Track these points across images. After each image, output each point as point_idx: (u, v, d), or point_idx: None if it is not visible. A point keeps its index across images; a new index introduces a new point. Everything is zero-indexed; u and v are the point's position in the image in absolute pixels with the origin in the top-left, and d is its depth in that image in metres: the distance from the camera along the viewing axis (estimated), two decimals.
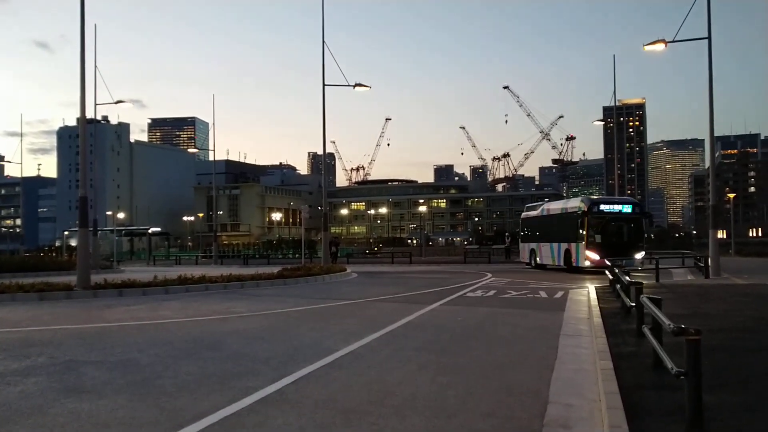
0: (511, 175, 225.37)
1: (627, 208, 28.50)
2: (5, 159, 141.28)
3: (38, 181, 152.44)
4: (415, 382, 7.29)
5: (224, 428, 5.50)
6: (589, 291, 17.78)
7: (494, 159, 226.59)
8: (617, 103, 57.60)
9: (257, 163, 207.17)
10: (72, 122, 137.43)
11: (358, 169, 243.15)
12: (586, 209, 28.20)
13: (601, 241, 27.71)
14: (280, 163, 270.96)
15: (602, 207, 28.42)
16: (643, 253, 28.12)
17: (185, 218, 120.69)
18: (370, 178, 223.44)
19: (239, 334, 11.19)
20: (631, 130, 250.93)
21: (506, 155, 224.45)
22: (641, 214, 28.77)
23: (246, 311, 14.50)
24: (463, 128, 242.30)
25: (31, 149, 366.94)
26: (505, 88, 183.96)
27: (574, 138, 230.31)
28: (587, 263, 27.58)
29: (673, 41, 23.84)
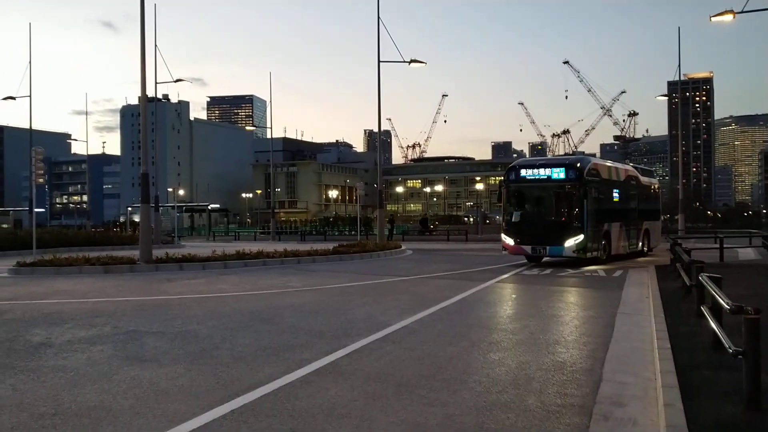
0: (571, 152, 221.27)
1: (555, 172, 19.59)
2: (72, 137, 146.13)
3: (103, 159, 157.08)
4: (467, 358, 7.30)
5: (278, 398, 5.63)
6: (649, 270, 17.40)
7: (554, 135, 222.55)
8: (683, 78, 55.76)
9: (314, 141, 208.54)
10: (134, 100, 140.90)
11: (414, 147, 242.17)
12: (504, 177, 20.81)
13: (518, 220, 20.48)
14: (337, 140, 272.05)
15: (522, 172, 20.15)
16: (580, 237, 18.71)
17: (244, 195, 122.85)
18: (426, 155, 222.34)
19: (294, 307, 11.38)
20: (697, 105, 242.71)
21: (566, 132, 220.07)
22: (578, 181, 18.92)
23: (301, 286, 14.73)
24: (522, 104, 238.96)
25: (96, 127, 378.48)
26: (566, 63, 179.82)
27: (637, 114, 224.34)
28: (505, 252, 20.72)
29: (743, 11, 22.88)
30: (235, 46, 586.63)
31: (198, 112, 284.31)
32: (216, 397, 5.63)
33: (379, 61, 30.50)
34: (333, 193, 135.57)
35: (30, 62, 39.75)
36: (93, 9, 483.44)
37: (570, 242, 18.91)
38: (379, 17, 30.00)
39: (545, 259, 20.74)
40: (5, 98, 41.37)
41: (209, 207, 69.88)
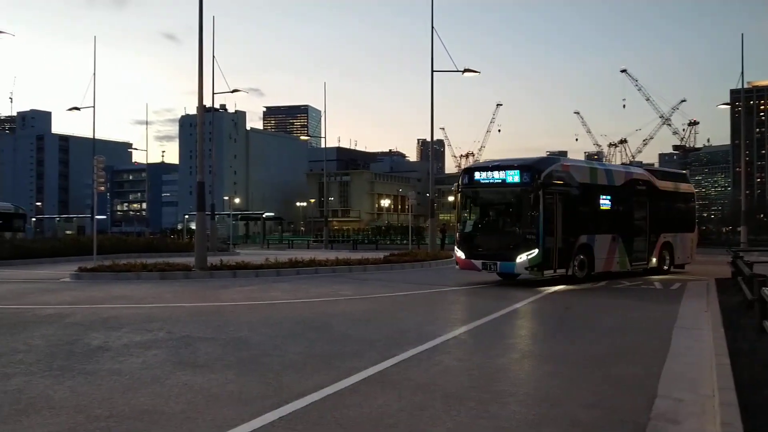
0: (628, 162, 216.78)
1: (510, 176, 16.74)
2: (133, 146, 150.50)
3: (162, 167, 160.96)
4: (517, 369, 7.21)
5: (326, 406, 5.65)
6: (709, 283, 16.88)
7: (610, 145, 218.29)
8: (746, 86, 54.07)
9: (367, 150, 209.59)
10: (193, 110, 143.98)
11: (467, 156, 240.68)
12: (458, 181, 18.46)
13: (469, 230, 17.89)
14: (390, 150, 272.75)
15: (476, 176, 17.56)
16: (534, 252, 15.85)
17: (297, 204, 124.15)
18: None
19: (345, 316, 11.43)
20: (762, 114, 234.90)
21: (623, 141, 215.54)
22: (532, 185, 16.02)
23: (352, 294, 14.78)
24: (578, 113, 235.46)
25: (157, 136, 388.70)
26: (623, 71, 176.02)
27: (698, 123, 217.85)
28: (458, 267, 18.08)
29: None
30: (292, 57, 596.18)
31: (254, 121, 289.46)
32: (265, 403, 5.68)
33: (432, 71, 30.53)
34: (385, 202, 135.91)
35: (94, 74, 41.18)
36: (156, 22, 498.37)
37: (522, 257, 15.94)
38: (433, 27, 30.04)
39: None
40: (70, 109, 42.89)
41: (264, 215, 70.88)
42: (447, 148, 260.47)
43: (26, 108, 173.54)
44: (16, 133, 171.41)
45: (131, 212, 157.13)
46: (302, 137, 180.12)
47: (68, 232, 57.97)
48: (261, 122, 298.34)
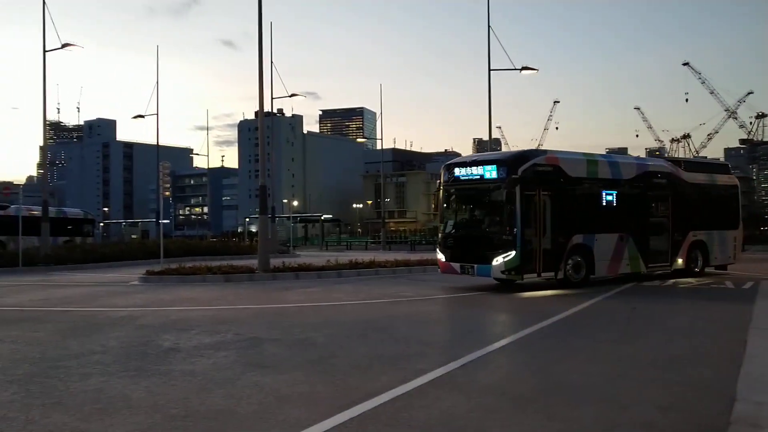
0: (692, 157, 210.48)
1: (487, 171, 15.35)
2: (194, 151, 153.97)
3: (222, 172, 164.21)
4: (585, 371, 7.09)
5: (395, 407, 5.67)
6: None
7: (673, 140, 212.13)
8: None
9: (423, 151, 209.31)
10: (251, 116, 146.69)
11: None
12: (439, 178, 17.12)
13: (449, 231, 16.75)
14: (446, 150, 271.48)
15: (456, 172, 16.20)
16: (511, 254, 14.52)
17: (354, 205, 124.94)
18: None
19: (407, 317, 11.46)
20: None
21: (686, 136, 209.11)
22: (508, 181, 14.58)
23: (414, 295, 14.79)
24: (638, 109, 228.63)
25: (216, 141, 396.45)
26: (685, 64, 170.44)
27: (766, 116, 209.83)
28: (440, 270, 16.93)
29: None
30: (347, 60, 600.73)
31: (311, 125, 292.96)
32: (335, 404, 5.74)
33: (489, 70, 30.27)
34: None
35: (157, 83, 42.31)
36: (215, 29, 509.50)
37: (498, 260, 14.63)
38: (489, 26, 29.81)
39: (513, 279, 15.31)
40: (135, 116, 44.14)
41: (322, 217, 71.59)
42: (503, 147, 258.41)
43: (92, 117, 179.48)
44: (83, 142, 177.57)
45: (193, 216, 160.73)
46: (359, 139, 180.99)
47: (133, 236, 59.74)
48: (317, 125, 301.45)
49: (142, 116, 43.71)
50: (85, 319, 11.35)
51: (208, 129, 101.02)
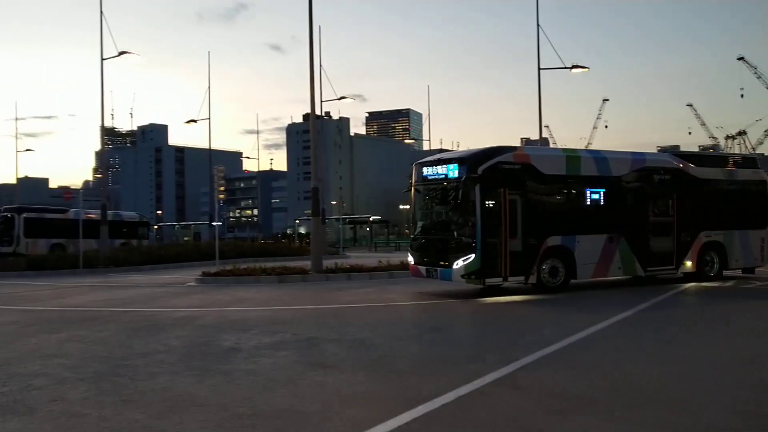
0: (748, 153, 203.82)
1: (450, 170, 14.52)
2: (243, 155, 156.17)
3: (271, 174, 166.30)
4: (651, 372, 6.98)
5: (457, 408, 5.68)
6: None
7: (727, 137, 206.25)
8: None
9: None
10: (298, 119, 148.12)
11: None
12: (411, 177, 16.11)
13: (418, 232, 15.92)
14: None
15: (424, 171, 15.42)
16: (470, 257, 13.66)
17: (401, 207, 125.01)
18: None
19: (461, 318, 11.45)
20: None
21: (742, 133, 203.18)
22: (469, 180, 13.79)
23: (466, 297, 14.70)
24: (690, 105, 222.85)
25: (265, 145, 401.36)
26: (740, 59, 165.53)
27: None
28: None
29: None
30: (393, 62, 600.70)
31: (358, 127, 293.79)
32: (397, 404, 5.77)
33: (539, 69, 29.92)
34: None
35: (209, 88, 43.14)
36: (263, 34, 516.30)
37: (458, 263, 13.81)
38: (538, 24, 29.49)
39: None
40: (188, 121, 45.10)
41: (370, 218, 71.84)
42: (552, 146, 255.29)
43: (145, 122, 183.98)
44: (137, 146, 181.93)
45: (243, 218, 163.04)
46: (406, 141, 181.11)
47: (186, 238, 60.94)
48: (364, 128, 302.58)
49: (194, 121, 44.62)
50: (147, 320, 11.64)
51: (258, 132, 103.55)
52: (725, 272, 17.53)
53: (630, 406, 5.68)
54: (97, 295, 16.51)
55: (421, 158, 16.46)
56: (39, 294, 17.25)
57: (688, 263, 16.80)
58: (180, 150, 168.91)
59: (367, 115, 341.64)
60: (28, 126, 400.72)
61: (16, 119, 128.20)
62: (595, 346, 8.71)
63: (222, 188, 22.99)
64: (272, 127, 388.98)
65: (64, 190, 40.06)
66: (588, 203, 15.65)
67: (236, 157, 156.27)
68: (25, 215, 36.14)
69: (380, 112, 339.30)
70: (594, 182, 15.66)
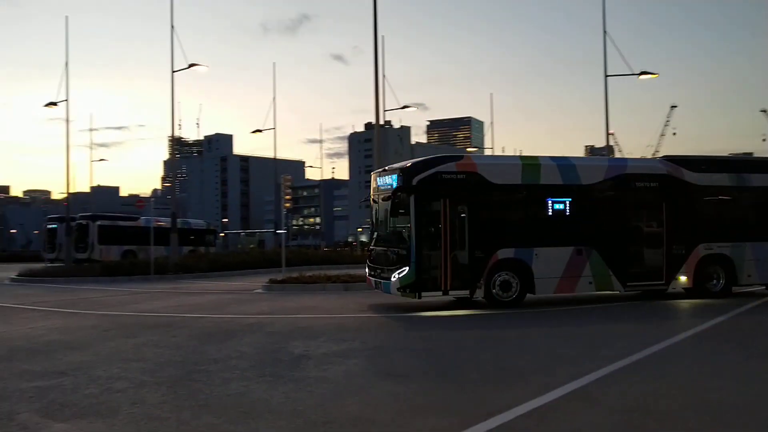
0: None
1: (392, 181, 14.13)
2: (306, 164, 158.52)
3: (333, 183, 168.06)
4: (730, 389, 6.72)
5: (531, 420, 5.60)
6: None
7: None
8: None
9: None
10: (360, 128, 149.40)
11: None
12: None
13: (372, 245, 15.83)
14: None
15: (378, 181, 15.11)
16: (404, 270, 13.27)
17: None
18: None
19: (530, 329, 11.29)
20: None
21: None
22: (404, 191, 13.48)
23: (536, 308, 14.46)
24: (765, 111, 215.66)
25: (327, 154, 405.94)
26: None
27: None
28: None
29: None
30: (455, 70, 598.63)
31: (419, 136, 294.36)
32: (470, 415, 5.73)
33: (606, 76, 29.37)
34: None
35: (274, 98, 43.90)
36: (325, 45, 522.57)
37: (395, 276, 13.44)
38: (605, 30, 28.96)
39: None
40: (253, 131, 45.94)
41: None
42: (617, 154, 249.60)
43: (211, 132, 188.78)
44: (203, 156, 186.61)
45: (306, 226, 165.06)
46: (468, 149, 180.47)
47: (251, 245, 62.10)
48: (425, 136, 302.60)
49: (259, 131, 45.43)
50: (218, 326, 11.90)
51: (320, 142, 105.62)
52: (736, 289, 15.84)
53: (723, 424, 5.49)
54: (168, 300, 16.96)
55: None
56: (114, 299, 17.85)
57: (682, 278, 15.24)
58: (245, 159, 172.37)
59: (428, 123, 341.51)
60: (102, 136, 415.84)
61: (91, 130, 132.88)
62: (676, 360, 8.45)
63: (288, 197, 23.38)
64: (334, 136, 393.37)
65: (136, 199, 41.39)
66: (550, 214, 14.64)
67: (299, 166, 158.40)
68: (99, 223, 37.55)
69: (441, 121, 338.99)
70: (557, 191, 14.67)
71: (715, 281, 15.50)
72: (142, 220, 36.90)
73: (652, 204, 15.51)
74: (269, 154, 49.74)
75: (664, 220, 15.27)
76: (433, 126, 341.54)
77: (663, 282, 15.15)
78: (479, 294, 13.84)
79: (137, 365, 8.20)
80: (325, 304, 15.35)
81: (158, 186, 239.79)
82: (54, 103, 32.15)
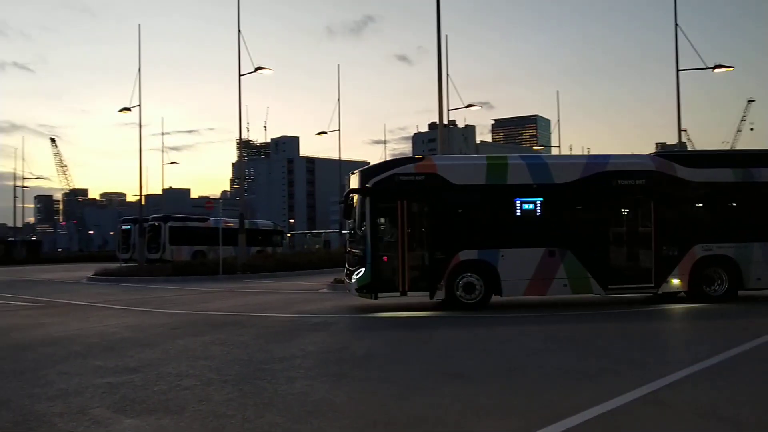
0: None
1: (354, 183, 14.32)
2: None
3: None
4: None
5: (600, 425, 5.43)
6: None
7: None
8: None
9: None
10: (424, 128, 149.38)
11: None
12: None
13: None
14: None
15: (351, 181, 14.89)
16: (361, 272, 13.62)
17: None
18: None
19: (596, 331, 11.00)
20: None
21: None
22: (360, 192, 13.86)
23: (602, 309, 14.11)
24: None
25: (392, 154, 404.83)
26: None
27: None
28: None
29: None
30: (520, 68, 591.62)
31: (483, 135, 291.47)
32: (537, 418, 5.59)
33: (677, 70, 28.44)
34: None
35: (338, 100, 44.35)
36: (390, 45, 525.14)
37: (353, 277, 13.76)
38: (676, 23, 28.03)
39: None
40: (319, 133, 46.70)
41: None
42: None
43: (278, 135, 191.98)
44: (270, 158, 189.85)
45: None
46: (534, 147, 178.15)
47: (317, 246, 62.72)
48: (490, 135, 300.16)
49: (324, 132, 45.98)
50: (284, 325, 12.05)
51: (385, 142, 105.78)
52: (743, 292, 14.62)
53: None
54: (236, 300, 17.29)
55: None
56: (184, 298, 18.33)
57: (675, 281, 14.28)
58: (311, 161, 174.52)
59: (493, 122, 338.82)
60: (173, 140, 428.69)
61: (162, 134, 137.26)
62: (747, 366, 8.08)
63: None
64: (398, 137, 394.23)
65: (205, 200, 42.42)
66: (518, 214, 14.19)
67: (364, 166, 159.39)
68: (170, 224, 38.63)
69: (506, 119, 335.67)
70: (526, 191, 14.17)
71: (717, 285, 14.39)
72: (211, 221, 37.80)
73: (637, 202, 14.74)
74: (334, 156, 50.26)
75: (652, 220, 14.41)
76: (499, 125, 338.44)
77: (652, 285, 14.31)
78: (440, 295, 13.71)
79: (204, 363, 8.36)
80: (389, 302, 15.33)
81: (227, 188, 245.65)
82: (127, 109, 33.25)
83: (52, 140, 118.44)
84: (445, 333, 10.89)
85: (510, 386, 6.89)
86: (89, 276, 28.91)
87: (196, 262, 30.28)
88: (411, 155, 15.37)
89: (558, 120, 52.69)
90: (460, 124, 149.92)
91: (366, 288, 13.57)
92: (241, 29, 29.53)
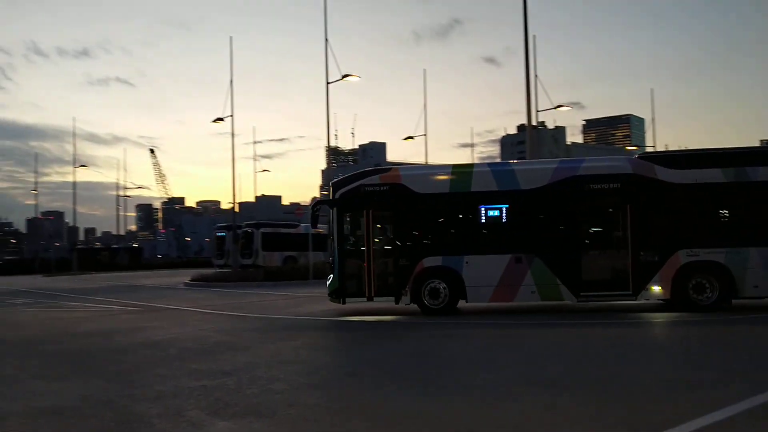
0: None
1: (328, 194, 15.60)
2: None
3: None
4: None
5: None
6: None
7: None
8: None
9: None
10: (512, 130, 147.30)
11: None
12: None
13: None
14: None
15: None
16: (331, 277, 14.93)
17: None
18: None
19: (697, 338, 10.52)
20: None
21: None
22: (327, 204, 15.21)
23: (696, 317, 13.49)
24: None
25: (480, 157, 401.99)
26: None
27: None
28: None
29: None
30: (613, 66, 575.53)
31: (574, 136, 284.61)
32: (634, 429, 5.38)
33: None
34: None
35: (425, 105, 44.36)
36: (477, 47, 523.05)
37: (328, 283, 15.01)
38: None
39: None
40: (405, 138, 46.65)
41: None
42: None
43: (365, 141, 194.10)
44: (359, 164, 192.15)
45: None
46: (627, 147, 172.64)
47: None
48: (581, 136, 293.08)
49: (411, 137, 46.05)
50: (371, 329, 12.16)
51: (472, 146, 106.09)
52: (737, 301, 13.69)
53: None
54: (326, 304, 17.53)
55: None
56: (276, 303, 18.78)
57: (656, 288, 13.62)
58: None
59: (584, 122, 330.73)
60: (264, 148, 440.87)
61: (254, 143, 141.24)
62: None
63: None
64: (486, 139, 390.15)
65: (296, 207, 43.34)
66: (483, 221, 14.31)
67: None
68: (262, 230, 39.70)
69: (598, 119, 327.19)
70: (491, 198, 14.23)
71: (707, 292, 13.50)
72: (301, 228, 38.56)
73: (612, 207, 14.27)
74: (421, 160, 50.29)
75: (629, 224, 13.82)
76: (590, 125, 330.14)
77: (629, 292, 13.71)
78: (405, 300, 14.25)
79: (295, 367, 8.51)
80: (478, 307, 15.20)
81: (317, 194, 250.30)
82: (221, 119, 34.37)
83: (151, 151, 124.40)
84: (537, 341, 10.64)
85: (604, 396, 6.63)
86: (186, 281, 30.10)
87: (287, 268, 30.99)
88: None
89: (653, 119, 51.04)
90: (550, 125, 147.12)
91: (335, 293, 14.61)
92: (328, 38, 30.03)
